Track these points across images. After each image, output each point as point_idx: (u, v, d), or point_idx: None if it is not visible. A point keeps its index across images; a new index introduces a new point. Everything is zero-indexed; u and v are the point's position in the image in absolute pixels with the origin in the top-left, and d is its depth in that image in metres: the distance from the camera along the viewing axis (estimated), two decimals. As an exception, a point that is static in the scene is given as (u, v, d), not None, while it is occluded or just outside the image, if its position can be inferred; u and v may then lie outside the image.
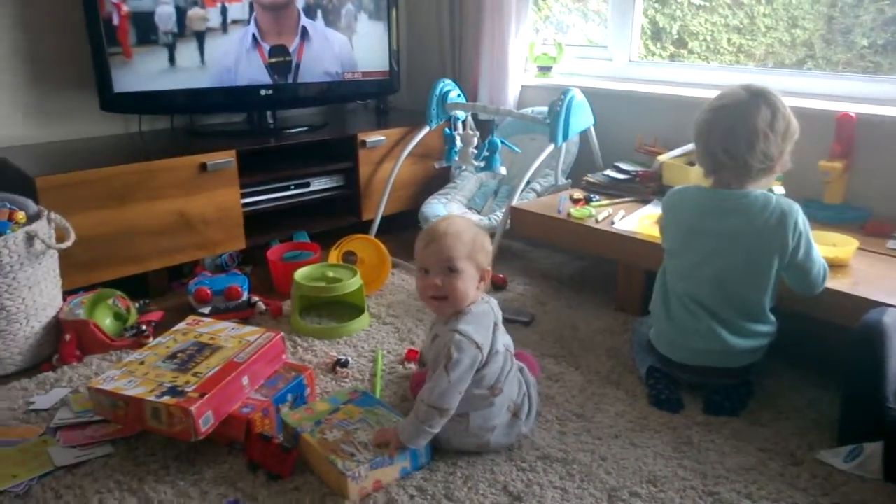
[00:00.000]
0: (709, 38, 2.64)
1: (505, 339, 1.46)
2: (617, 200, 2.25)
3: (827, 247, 1.66)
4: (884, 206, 1.97)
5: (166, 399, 1.33)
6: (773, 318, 1.58)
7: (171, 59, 2.30)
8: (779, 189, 1.59)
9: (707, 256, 1.55)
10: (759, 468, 1.38)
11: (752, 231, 1.51)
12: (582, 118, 2.42)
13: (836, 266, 1.64)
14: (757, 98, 1.48)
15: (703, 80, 2.46)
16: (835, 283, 1.57)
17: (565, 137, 2.37)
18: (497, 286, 2.25)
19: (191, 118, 2.67)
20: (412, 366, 1.75)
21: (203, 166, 2.17)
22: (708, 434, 1.49)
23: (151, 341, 1.68)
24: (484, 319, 1.38)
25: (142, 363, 1.47)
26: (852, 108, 1.99)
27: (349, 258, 2.26)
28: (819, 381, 1.65)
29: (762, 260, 1.52)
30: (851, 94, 2.11)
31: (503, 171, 2.45)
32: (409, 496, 1.29)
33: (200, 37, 2.34)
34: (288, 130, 2.59)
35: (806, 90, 2.19)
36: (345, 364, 1.75)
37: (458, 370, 1.32)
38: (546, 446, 1.45)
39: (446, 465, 1.38)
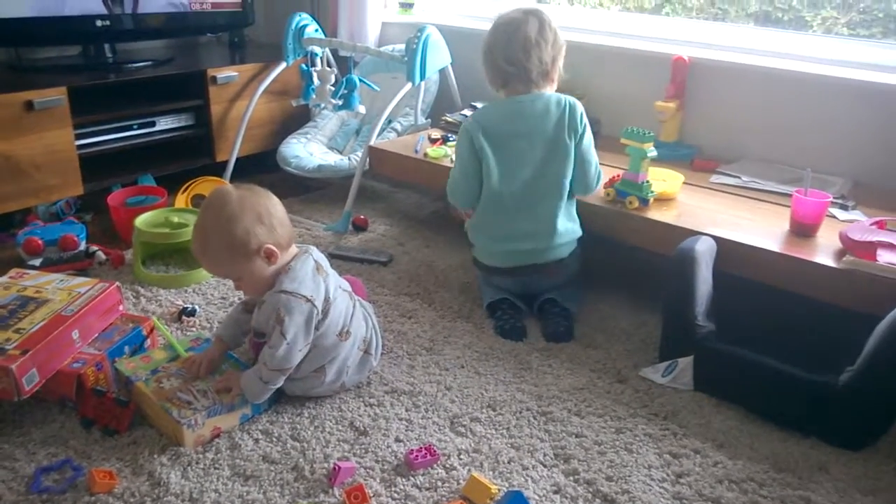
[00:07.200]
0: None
1: (337, 280, 1.43)
2: (473, 140, 2.28)
3: (657, 182, 1.78)
4: (710, 143, 2.14)
5: (-18, 358, 1.23)
6: (578, 219, 1.76)
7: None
8: (651, 153, 1.71)
9: (519, 156, 1.69)
10: (589, 387, 1.50)
11: (551, 122, 1.68)
12: (439, 57, 2.41)
13: (663, 200, 1.78)
14: (528, 14, 1.69)
15: (564, 22, 2.49)
16: (661, 215, 1.70)
17: (422, 76, 2.35)
18: (358, 227, 2.25)
19: (16, 51, 2.40)
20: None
21: (29, 104, 1.99)
22: (547, 359, 1.59)
23: (-31, 298, 1.53)
24: (305, 270, 1.33)
25: (-46, 322, 1.35)
26: (687, 52, 2.11)
27: (200, 202, 2.16)
28: (648, 305, 1.79)
29: (561, 143, 1.68)
30: (696, 39, 2.22)
31: (362, 109, 2.41)
32: (253, 440, 1.30)
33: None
34: (129, 65, 2.41)
35: (657, 35, 2.29)
36: (192, 313, 1.69)
37: (294, 330, 1.28)
38: (394, 380, 1.49)
39: (293, 406, 1.39)
